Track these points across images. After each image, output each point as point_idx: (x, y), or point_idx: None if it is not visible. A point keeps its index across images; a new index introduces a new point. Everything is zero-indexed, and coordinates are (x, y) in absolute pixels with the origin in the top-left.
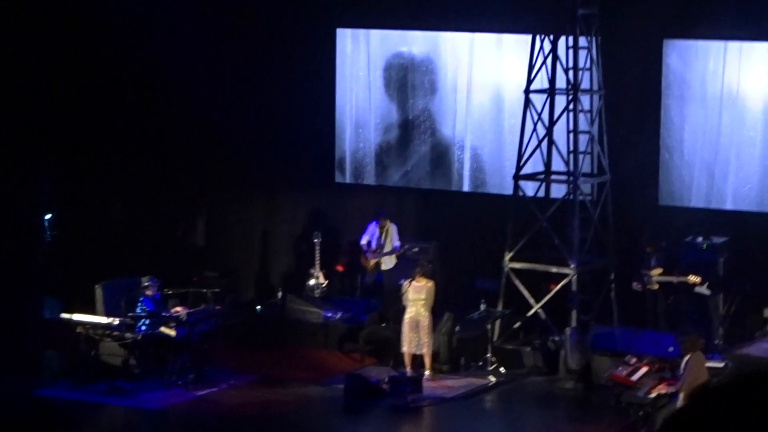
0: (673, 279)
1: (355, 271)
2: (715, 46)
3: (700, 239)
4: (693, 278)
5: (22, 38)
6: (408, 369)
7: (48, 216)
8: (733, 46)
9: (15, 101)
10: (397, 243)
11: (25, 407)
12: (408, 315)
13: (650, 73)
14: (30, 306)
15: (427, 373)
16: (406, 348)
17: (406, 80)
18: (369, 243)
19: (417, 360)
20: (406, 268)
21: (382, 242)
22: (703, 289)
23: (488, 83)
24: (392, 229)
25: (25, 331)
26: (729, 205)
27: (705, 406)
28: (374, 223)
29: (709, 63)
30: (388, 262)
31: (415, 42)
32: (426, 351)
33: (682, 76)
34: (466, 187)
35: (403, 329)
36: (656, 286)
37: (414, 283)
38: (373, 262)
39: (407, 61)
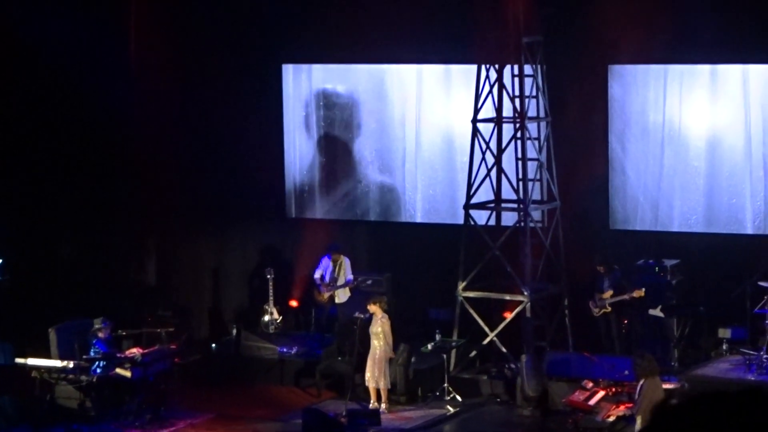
0: (626, 297)
1: (309, 306)
2: (656, 70)
3: (651, 262)
4: (638, 292)
5: None
6: (371, 402)
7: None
8: (675, 70)
9: None
10: (350, 276)
11: None
12: (371, 349)
13: (596, 99)
14: None
15: (383, 406)
16: (367, 381)
17: (352, 114)
18: (322, 277)
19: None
20: (360, 300)
21: (336, 275)
22: (657, 312)
23: (436, 114)
24: (345, 262)
25: None
26: (678, 228)
27: (664, 425)
28: (327, 257)
29: (650, 90)
30: (342, 296)
31: (360, 76)
32: (381, 384)
33: (625, 104)
34: (417, 218)
35: (368, 362)
36: (609, 309)
37: (374, 316)
38: (326, 295)
39: (351, 95)
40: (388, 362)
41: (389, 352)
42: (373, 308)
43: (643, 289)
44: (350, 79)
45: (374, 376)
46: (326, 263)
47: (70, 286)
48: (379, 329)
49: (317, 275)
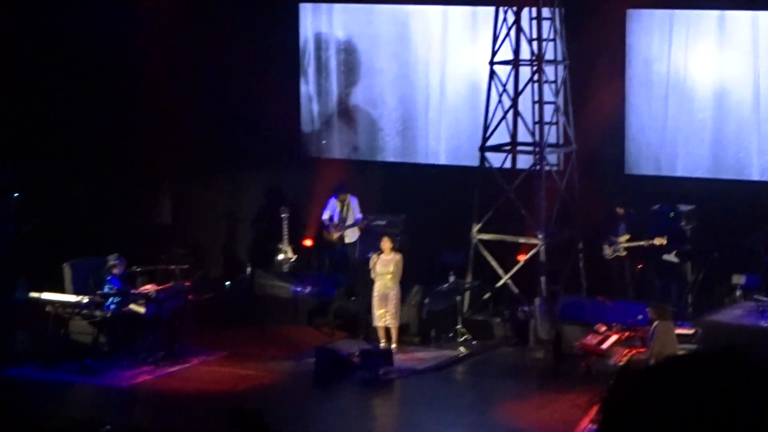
0: (643, 243)
1: (323, 246)
2: (676, 15)
3: (666, 207)
4: (659, 240)
5: None
6: (381, 342)
7: (14, 196)
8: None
9: None
10: (359, 215)
11: None
12: (377, 289)
13: (614, 43)
14: (0, 287)
15: (393, 346)
16: (376, 322)
17: (373, 57)
18: (331, 218)
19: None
20: (372, 241)
21: (344, 216)
22: (671, 257)
23: (460, 57)
24: (352, 202)
25: None
26: (695, 173)
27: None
28: (334, 197)
29: (668, 34)
30: (351, 235)
31: (382, 17)
32: (393, 324)
33: (640, 49)
34: (432, 160)
35: (372, 303)
36: (624, 253)
37: (382, 256)
38: (336, 236)
39: (372, 37)
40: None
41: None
42: (387, 244)
43: (666, 238)
44: (372, 20)
45: (387, 316)
46: (333, 204)
47: (85, 224)
48: (393, 267)
49: (325, 216)
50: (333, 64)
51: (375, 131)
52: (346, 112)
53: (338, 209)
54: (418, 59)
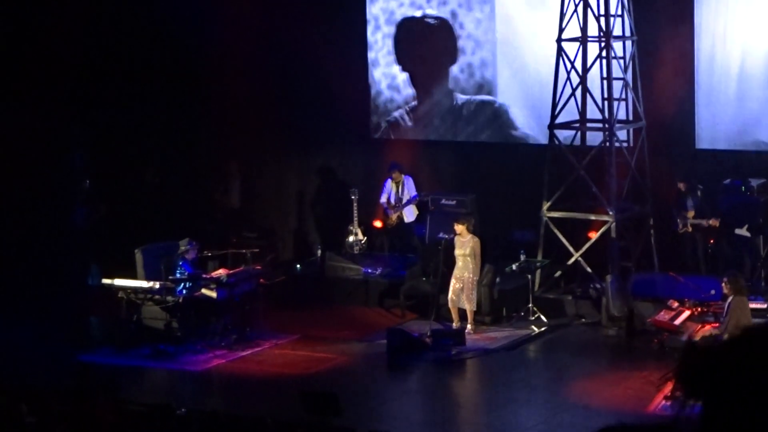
0: (703, 222)
1: (396, 226)
2: None
3: (738, 181)
4: (714, 221)
5: (51, 5)
6: (454, 322)
7: (86, 183)
8: None
9: (47, 69)
10: (415, 193)
11: (69, 373)
12: (455, 269)
13: (682, 17)
14: (73, 272)
15: (469, 326)
16: (450, 302)
17: (440, 35)
18: (388, 200)
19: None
20: (442, 221)
21: (400, 196)
22: (743, 231)
23: (528, 34)
24: (406, 181)
25: (69, 297)
26: (766, 147)
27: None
28: (389, 179)
29: (737, 8)
30: (409, 215)
31: None
32: (469, 306)
33: (711, 22)
34: (502, 138)
35: (451, 281)
36: (690, 229)
37: (458, 238)
38: (394, 216)
39: (442, 14)
40: (475, 284)
41: (477, 274)
42: (460, 228)
43: (719, 221)
44: None
45: (461, 298)
46: (389, 186)
47: (156, 211)
48: (469, 250)
49: (383, 199)
50: (398, 41)
51: (442, 111)
52: (413, 93)
53: (393, 190)
54: (486, 37)
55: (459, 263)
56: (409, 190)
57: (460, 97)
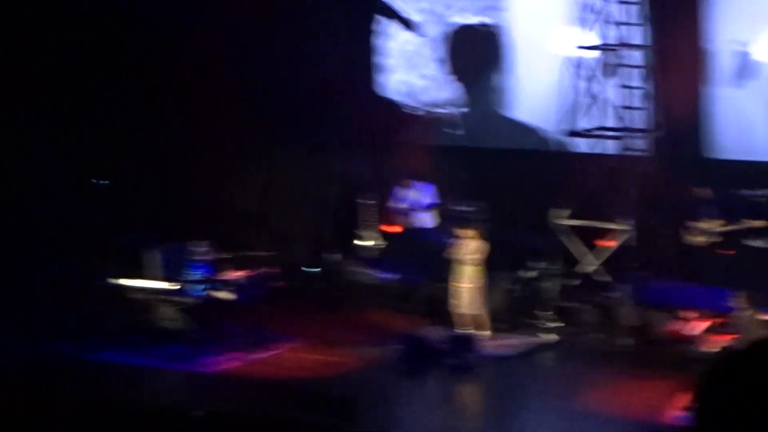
0: (737, 227)
1: (410, 232)
2: None
3: (759, 192)
4: (729, 229)
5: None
6: (467, 329)
7: (104, 183)
8: None
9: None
10: (429, 200)
11: (84, 372)
12: (461, 275)
13: (700, 27)
14: (89, 272)
15: (485, 333)
16: (461, 308)
17: (459, 39)
18: (402, 205)
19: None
20: (456, 227)
21: (416, 201)
22: (760, 242)
23: (539, 39)
24: (426, 187)
25: (84, 297)
26: None
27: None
28: (401, 185)
29: (753, 17)
30: (428, 221)
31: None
32: (478, 311)
33: (728, 32)
34: (518, 145)
35: (459, 290)
36: (709, 238)
37: (464, 242)
38: (406, 222)
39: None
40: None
41: (483, 280)
42: (468, 233)
43: (735, 229)
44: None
45: (473, 304)
46: (402, 191)
47: (172, 209)
48: (475, 255)
49: (395, 205)
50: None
51: (459, 116)
52: (428, 97)
53: (407, 196)
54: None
55: (468, 269)
56: (428, 196)
57: (479, 100)
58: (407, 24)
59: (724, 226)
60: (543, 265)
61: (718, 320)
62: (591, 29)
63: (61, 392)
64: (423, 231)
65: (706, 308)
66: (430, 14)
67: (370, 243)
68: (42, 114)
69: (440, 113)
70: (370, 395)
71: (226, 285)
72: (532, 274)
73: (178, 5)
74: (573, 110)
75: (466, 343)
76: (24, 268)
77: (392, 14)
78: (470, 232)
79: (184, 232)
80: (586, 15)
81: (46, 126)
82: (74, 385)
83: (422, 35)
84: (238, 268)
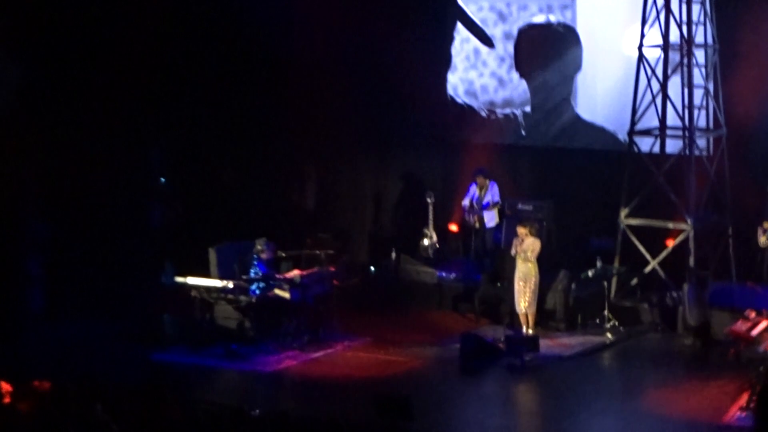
0: None
1: (467, 231)
2: None
3: None
4: None
5: (132, 6)
6: (524, 328)
7: (162, 181)
8: None
9: (126, 68)
10: (497, 199)
11: (142, 371)
12: (516, 273)
13: (764, 25)
14: (148, 271)
15: (529, 331)
16: (518, 306)
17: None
18: (471, 203)
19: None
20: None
21: (481, 200)
22: None
23: (603, 38)
24: (491, 186)
25: (143, 295)
26: None
27: None
28: (474, 183)
29: None
30: (489, 220)
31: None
32: (529, 310)
33: None
34: (581, 144)
35: (515, 287)
36: None
37: (521, 241)
38: (474, 219)
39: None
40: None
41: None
42: (523, 231)
43: None
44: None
45: (530, 302)
46: (473, 189)
47: (231, 208)
48: (529, 254)
49: (465, 202)
50: (482, 49)
51: (522, 115)
52: (491, 97)
53: (477, 194)
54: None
55: (526, 267)
56: (493, 195)
57: (541, 100)
58: (483, 38)
59: None
60: (605, 264)
61: None
62: (655, 27)
63: (119, 389)
64: (486, 229)
65: (767, 308)
66: (496, 13)
67: (433, 242)
68: (103, 112)
69: (506, 113)
70: (428, 395)
71: (283, 283)
72: (594, 273)
73: (245, 5)
74: (637, 109)
75: (525, 342)
76: (82, 267)
77: (471, 25)
78: (525, 230)
79: (243, 230)
80: (650, 13)
81: (109, 124)
82: (131, 383)
83: (493, 47)
84: (296, 267)
